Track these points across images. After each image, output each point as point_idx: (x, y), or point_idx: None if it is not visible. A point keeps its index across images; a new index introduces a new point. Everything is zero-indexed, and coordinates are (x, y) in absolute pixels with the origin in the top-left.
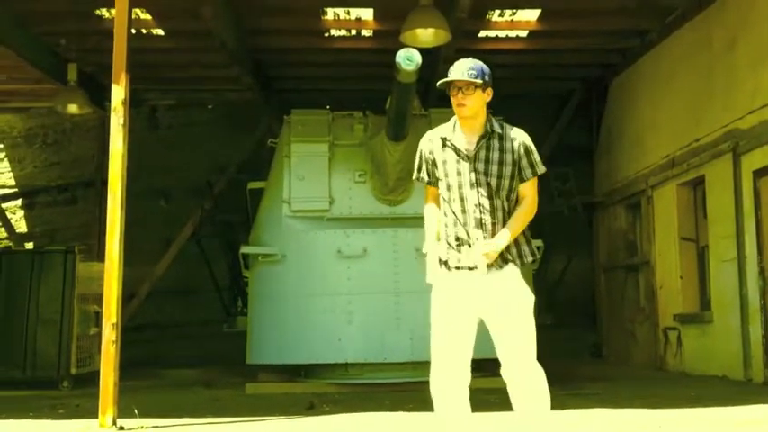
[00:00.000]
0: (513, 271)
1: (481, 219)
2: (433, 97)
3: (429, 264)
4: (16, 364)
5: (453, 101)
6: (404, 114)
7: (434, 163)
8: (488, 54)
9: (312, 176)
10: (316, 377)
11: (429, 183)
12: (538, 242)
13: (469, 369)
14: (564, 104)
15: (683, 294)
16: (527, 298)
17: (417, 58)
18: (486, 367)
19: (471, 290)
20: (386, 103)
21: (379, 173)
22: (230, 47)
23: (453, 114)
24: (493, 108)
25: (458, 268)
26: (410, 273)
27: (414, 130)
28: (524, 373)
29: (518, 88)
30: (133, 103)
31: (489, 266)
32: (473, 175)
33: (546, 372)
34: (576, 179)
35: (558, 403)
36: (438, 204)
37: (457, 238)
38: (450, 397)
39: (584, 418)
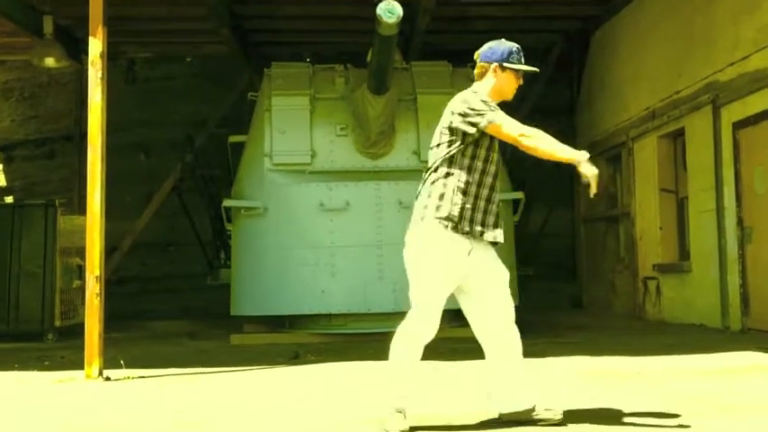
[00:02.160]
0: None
1: (491, 196)
2: (415, 50)
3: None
4: (0, 318)
5: (515, 84)
6: (385, 67)
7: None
8: (468, 6)
9: (293, 130)
10: (300, 328)
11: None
12: (519, 194)
13: None
14: (545, 58)
15: (663, 245)
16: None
17: (398, 10)
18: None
19: (468, 258)
20: (367, 56)
21: (361, 126)
22: None
23: (436, 67)
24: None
25: (468, 234)
26: (392, 225)
27: (395, 83)
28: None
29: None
30: (110, 56)
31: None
32: (497, 155)
33: (527, 322)
34: (557, 132)
35: (538, 351)
36: None
37: (479, 216)
38: (421, 350)
39: (564, 366)
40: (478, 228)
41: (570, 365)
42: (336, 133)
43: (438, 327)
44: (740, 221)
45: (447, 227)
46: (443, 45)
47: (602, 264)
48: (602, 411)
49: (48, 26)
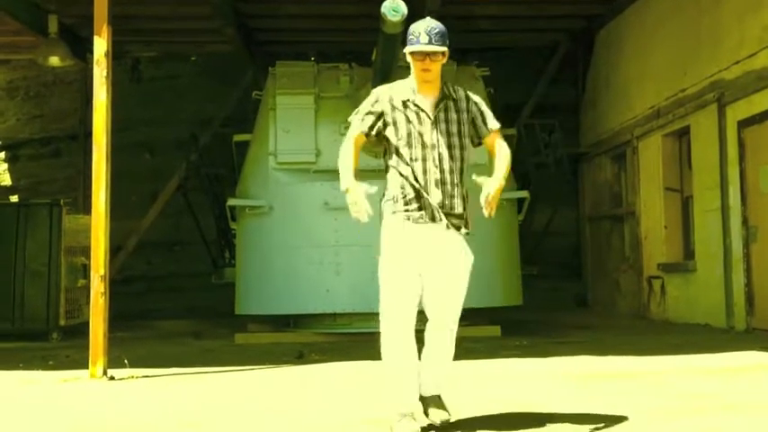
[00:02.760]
0: (460, 236)
1: (441, 178)
2: None
3: (353, 202)
4: (5, 317)
5: (419, 65)
6: (389, 66)
7: (387, 121)
8: (472, 5)
9: (298, 129)
10: (304, 327)
11: (366, 134)
12: (523, 193)
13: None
14: (550, 56)
15: (668, 244)
16: (470, 261)
17: (403, 8)
18: (471, 317)
19: (424, 243)
20: (371, 55)
21: None
22: None
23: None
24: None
25: (417, 222)
26: None
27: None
28: (450, 327)
29: (503, 40)
30: (115, 55)
31: (450, 226)
32: (435, 135)
33: (532, 321)
34: (562, 131)
35: (543, 351)
36: (358, 148)
37: (417, 197)
38: (411, 346)
39: (568, 366)
40: (423, 206)
41: (575, 365)
42: (341, 132)
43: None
44: (745, 221)
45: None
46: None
47: (607, 263)
48: (607, 411)
49: (53, 25)
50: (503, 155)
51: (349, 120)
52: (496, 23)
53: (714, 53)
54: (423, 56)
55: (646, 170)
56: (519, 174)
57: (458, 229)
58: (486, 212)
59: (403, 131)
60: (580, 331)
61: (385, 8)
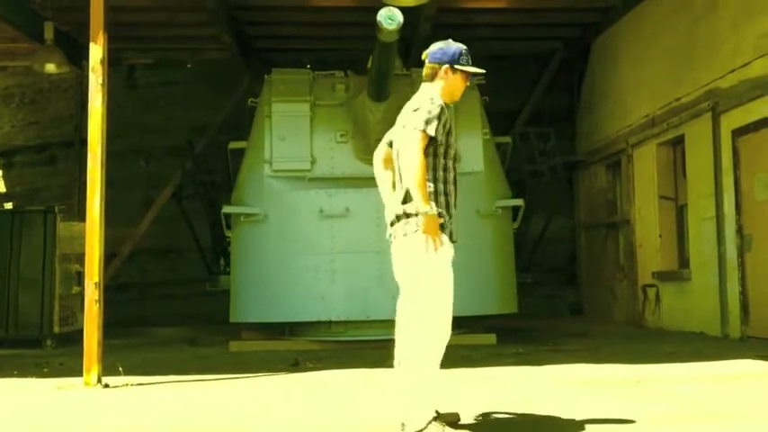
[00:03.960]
0: None
1: (455, 189)
2: (415, 57)
3: (434, 229)
4: None
5: (462, 84)
6: (385, 74)
7: (446, 129)
8: (469, 13)
9: (293, 136)
10: (299, 335)
11: (435, 143)
12: (518, 201)
13: None
14: (545, 65)
15: (662, 252)
16: None
17: (399, 16)
18: (466, 324)
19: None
20: (367, 63)
21: (361, 133)
22: (209, 5)
23: None
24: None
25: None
26: None
27: (395, 89)
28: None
29: (499, 48)
30: (111, 61)
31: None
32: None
33: (527, 328)
34: (557, 139)
35: (538, 359)
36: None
37: (448, 206)
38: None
39: (563, 374)
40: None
41: (570, 373)
42: (336, 140)
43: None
44: (740, 229)
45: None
46: None
47: (602, 271)
48: (601, 419)
49: (49, 32)
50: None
51: (420, 129)
52: (492, 31)
53: (709, 62)
54: (468, 77)
55: (640, 178)
56: (514, 182)
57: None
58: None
59: (451, 138)
60: (576, 339)
61: (381, 16)
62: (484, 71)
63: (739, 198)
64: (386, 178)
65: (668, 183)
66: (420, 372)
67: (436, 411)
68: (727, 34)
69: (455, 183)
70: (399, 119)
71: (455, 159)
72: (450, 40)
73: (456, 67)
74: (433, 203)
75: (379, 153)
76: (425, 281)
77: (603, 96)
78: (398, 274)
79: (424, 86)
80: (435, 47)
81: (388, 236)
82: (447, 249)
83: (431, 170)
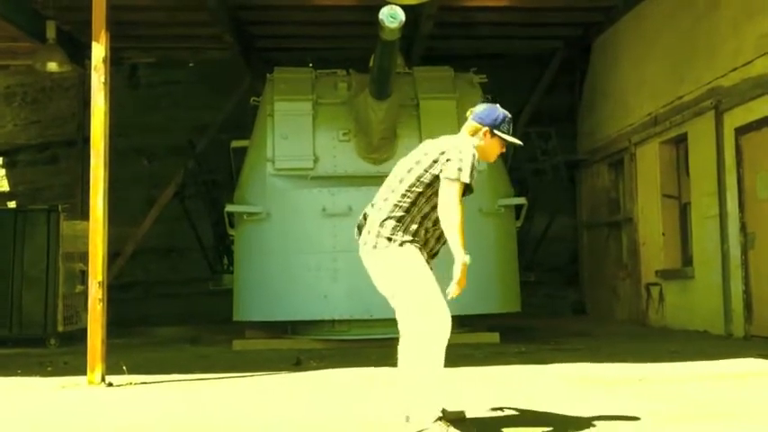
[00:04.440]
0: None
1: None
2: (417, 55)
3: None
4: (3, 323)
5: (497, 150)
6: (387, 72)
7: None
8: (470, 12)
9: (296, 135)
10: (302, 334)
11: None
12: (521, 200)
13: None
14: (547, 64)
15: (665, 251)
16: None
17: (401, 15)
18: (469, 323)
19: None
20: (369, 61)
21: (364, 131)
22: (210, 5)
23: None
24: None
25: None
26: None
27: (397, 88)
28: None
29: (501, 47)
30: (113, 60)
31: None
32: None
33: (530, 327)
34: (559, 138)
35: (541, 358)
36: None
37: (425, 243)
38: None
39: (566, 373)
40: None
41: (573, 372)
42: (339, 138)
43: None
44: (743, 227)
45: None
46: (446, 50)
47: (605, 270)
48: (604, 418)
49: (51, 31)
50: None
51: (461, 180)
52: (494, 31)
53: (711, 60)
54: (503, 144)
55: (643, 177)
56: (516, 180)
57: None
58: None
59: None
60: (579, 338)
61: (383, 15)
62: (521, 143)
63: (742, 196)
64: None
65: (671, 181)
66: (425, 370)
67: (443, 410)
68: (729, 33)
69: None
70: (423, 150)
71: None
72: (498, 106)
73: (495, 132)
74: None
75: None
76: (409, 285)
77: (605, 95)
78: (381, 286)
79: (465, 136)
80: (482, 107)
81: (358, 241)
82: (415, 255)
83: (421, 210)
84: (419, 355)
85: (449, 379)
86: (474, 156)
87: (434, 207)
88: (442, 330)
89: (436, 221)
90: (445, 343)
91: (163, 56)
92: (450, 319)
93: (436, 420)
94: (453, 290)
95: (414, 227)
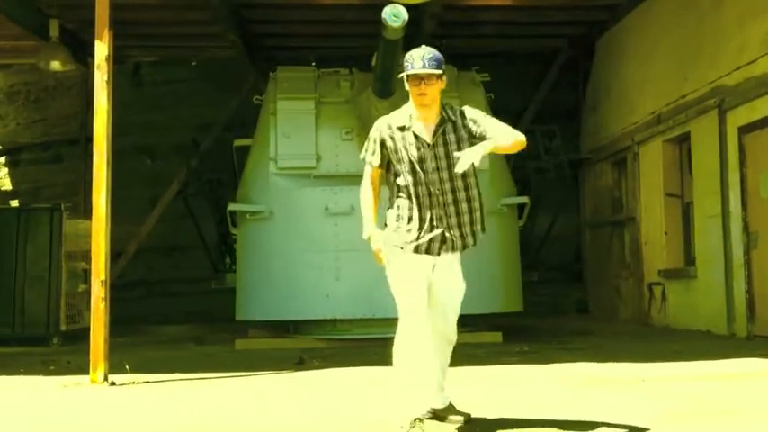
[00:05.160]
0: (457, 258)
1: (445, 200)
2: None
3: (377, 248)
4: (5, 322)
5: (415, 90)
6: (390, 71)
7: (390, 149)
8: (473, 11)
9: (298, 134)
10: (304, 333)
11: (379, 165)
12: (524, 199)
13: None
14: (550, 62)
15: (668, 250)
16: (462, 286)
17: (404, 14)
18: (472, 322)
19: (425, 265)
20: (372, 60)
21: (366, 130)
22: (213, 3)
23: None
24: (479, 66)
25: (417, 250)
26: None
27: (400, 86)
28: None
29: (504, 46)
30: (116, 59)
31: (447, 249)
32: (435, 160)
33: (533, 327)
34: (562, 137)
35: (544, 357)
36: (376, 188)
37: (421, 220)
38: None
39: (569, 372)
40: (426, 230)
41: (575, 371)
42: (341, 137)
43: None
44: (746, 226)
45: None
46: (449, 49)
47: (608, 269)
48: (606, 417)
49: (54, 29)
50: (504, 130)
51: (361, 158)
52: (497, 29)
53: (715, 59)
54: (418, 80)
55: (646, 176)
56: (519, 179)
57: (456, 249)
58: (457, 168)
59: (402, 156)
60: (581, 337)
61: (386, 14)
62: (414, 71)
63: (745, 195)
64: None
65: (674, 180)
66: (398, 372)
67: (432, 410)
68: (733, 32)
69: (441, 192)
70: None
71: (425, 171)
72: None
73: (400, 75)
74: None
75: None
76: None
77: (609, 94)
78: None
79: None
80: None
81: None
82: (400, 259)
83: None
84: (395, 356)
85: (451, 378)
86: (371, 133)
87: (401, 182)
88: (404, 333)
89: (420, 192)
90: (417, 346)
91: (166, 54)
92: (419, 321)
93: (413, 423)
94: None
95: (397, 210)
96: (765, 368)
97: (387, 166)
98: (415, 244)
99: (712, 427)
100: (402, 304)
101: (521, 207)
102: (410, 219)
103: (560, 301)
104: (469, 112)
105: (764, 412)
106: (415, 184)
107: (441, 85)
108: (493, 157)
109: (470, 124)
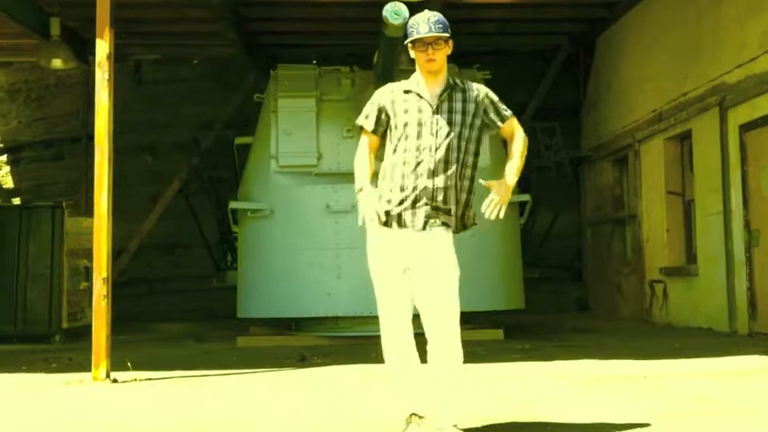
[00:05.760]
0: (446, 235)
1: (434, 168)
2: None
3: (364, 206)
4: (8, 320)
5: (422, 56)
6: (391, 69)
7: (388, 113)
8: (475, 8)
9: (299, 132)
10: (306, 330)
11: (373, 131)
12: (525, 197)
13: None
14: (551, 60)
15: (670, 248)
16: (454, 266)
17: (405, 11)
18: (473, 320)
19: (406, 245)
20: (373, 58)
21: None
22: (213, 2)
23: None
24: (480, 64)
25: (401, 226)
26: None
27: None
28: (443, 331)
29: (505, 43)
30: (117, 57)
31: (431, 225)
32: (436, 124)
33: (534, 324)
34: (563, 134)
35: (545, 354)
36: (373, 154)
37: (403, 187)
38: (408, 349)
39: (570, 369)
40: (410, 198)
41: (576, 368)
42: (342, 135)
43: (410, 325)
44: (747, 224)
45: (383, 218)
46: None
47: (609, 266)
48: (608, 415)
49: (55, 28)
50: (518, 146)
51: (356, 123)
52: (498, 27)
53: (716, 57)
54: (425, 45)
55: (647, 174)
56: (520, 177)
57: (445, 226)
58: (487, 214)
59: (401, 121)
60: (582, 335)
61: (387, 11)
62: (422, 35)
63: (747, 193)
64: None
65: (675, 178)
66: (387, 370)
67: (413, 414)
68: (734, 29)
69: (436, 159)
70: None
71: (419, 134)
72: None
73: (406, 42)
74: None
75: None
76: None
77: (609, 92)
78: None
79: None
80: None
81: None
82: (378, 241)
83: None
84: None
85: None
86: (372, 98)
87: (397, 146)
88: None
89: (418, 157)
90: (397, 345)
91: (167, 53)
92: (398, 320)
93: (410, 424)
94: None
95: (383, 176)
96: (767, 365)
97: (383, 136)
98: (396, 212)
99: (714, 425)
100: (379, 304)
101: (522, 205)
102: (395, 183)
103: (561, 298)
104: (491, 92)
105: (766, 409)
106: (409, 149)
107: (448, 49)
108: (495, 154)
109: (487, 103)
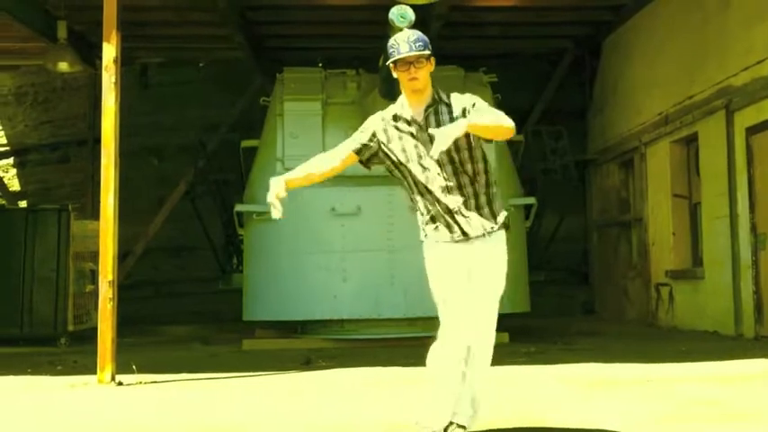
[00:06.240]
0: (498, 239)
1: (447, 186)
2: None
3: (271, 191)
4: (14, 322)
5: (404, 76)
6: None
7: (383, 144)
8: (480, 12)
9: (305, 134)
10: (311, 333)
11: (357, 150)
12: (531, 200)
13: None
14: (557, 63)
15: (676, 251)
16: (503, 269)
17: (411, 15)
18: None
19: (461, 254)
20: (379, 61)
21: None
22: (220, 5)
23: (448, 72)
24: (486, 67)
25: (446, 241)
26: (404, 230)
27: None
28: (487, 337)
29: (510, 47)
30: (124, 61)
31: (476, 236)
32: (430, 144)
33: (538, 327)
34: (569, 137)
35: (550, 357)
36: (334, 162)
37: (434, 214)
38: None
39: (576, 373)
40: (448, 219)
41: (581, 372)
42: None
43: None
44: (753, 228)
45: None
46: (455, 50)
47: (615, 270)
48: (615, 417)
49: (62, 31)
50: (491, 111)
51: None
52: (504, 30)
53: (722, 60)
54: (407, 65)
55: (654, 177)
56: (526, 180)
57: (486, 234)
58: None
59: (400, 156)
60: (588, 338)
61: (392, 15)
62: (402, 55)
63: (753, 196)
64: None
65: (682, 181)
66: (429, 372)
67: (451, 422)
68: (740, 32)
69: (444, 176)
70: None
71: (420, 156)
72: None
73: (387, 63)
74: None
75: None
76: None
77: (615, 94)
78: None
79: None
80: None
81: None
82: (433, 251)
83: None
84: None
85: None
86: (364, 124)
87: (408, 174)
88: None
89: (428, 178)
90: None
91: (173, 56)
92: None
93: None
94: None
95: (418, 207)
96: None
97: (366, 161)
98: (446, 239)
99: (719, 429)
100: (441, 315)
101: (527, 208)
102: (430, 215)
103: (567, 301)
104: (478, 98)
105: None
106: (418, 182)
107: (430, 67)
108: (500, 157)
109: (468, 106)
